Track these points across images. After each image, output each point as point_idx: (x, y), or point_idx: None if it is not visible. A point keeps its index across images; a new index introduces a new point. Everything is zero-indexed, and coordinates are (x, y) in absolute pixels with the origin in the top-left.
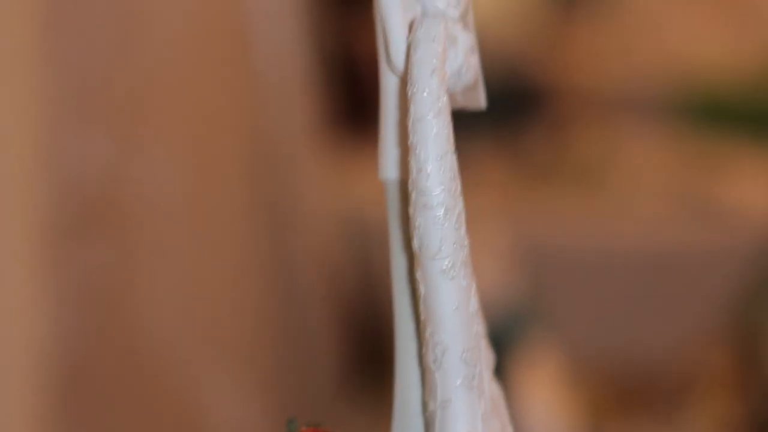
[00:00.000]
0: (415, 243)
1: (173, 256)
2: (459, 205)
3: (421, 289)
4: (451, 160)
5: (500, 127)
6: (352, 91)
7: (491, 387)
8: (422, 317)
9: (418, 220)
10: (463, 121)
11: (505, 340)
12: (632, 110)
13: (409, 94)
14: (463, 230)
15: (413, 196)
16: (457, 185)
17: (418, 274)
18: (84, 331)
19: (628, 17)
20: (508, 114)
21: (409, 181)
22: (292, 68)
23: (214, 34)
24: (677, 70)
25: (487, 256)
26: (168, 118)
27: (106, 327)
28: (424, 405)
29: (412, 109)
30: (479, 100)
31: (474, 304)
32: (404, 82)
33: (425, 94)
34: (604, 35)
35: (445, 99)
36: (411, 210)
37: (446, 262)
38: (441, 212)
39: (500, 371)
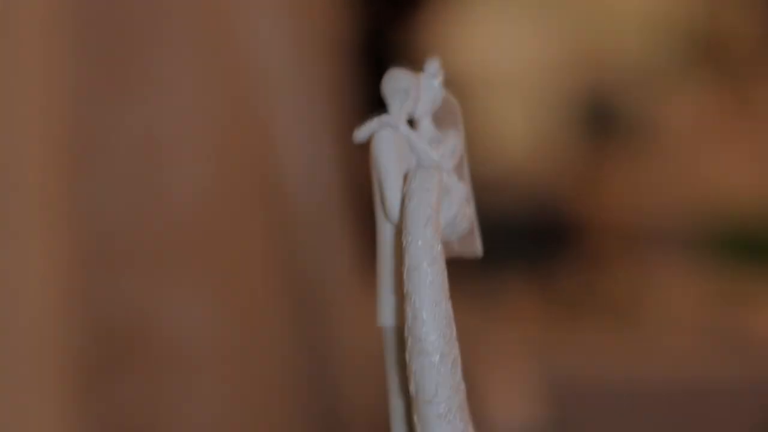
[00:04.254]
0: (412, 388)
1: (201, 397)
2: (454, 351)
3: None
4: (446, 307)
5: (532, 262)
6: None
7: None
8: None
9: (415, 366)
10: (495, 256)
11: None
12: (664, 244)
13: (404, 243)
14: (459, 375)
15: (409, 342)
16: (452, 331)
17: (415, 418)
18: None
19: (661, 152)
20: (540, 249)
21: (405, 327)
22: (326, 205)
23: (243, 170)
24: (709, 205)
25: (518, 391)
26: (195, 257)
27: None
28: None
29: (407, 258)
30: (475, 249)
31: None
32: (399, 231)
33: (420, 243)
34: (636, 170)
35: (439, 248)
36: (407, 356)
37: (442, 407)
38: (437, 358)
39: None
